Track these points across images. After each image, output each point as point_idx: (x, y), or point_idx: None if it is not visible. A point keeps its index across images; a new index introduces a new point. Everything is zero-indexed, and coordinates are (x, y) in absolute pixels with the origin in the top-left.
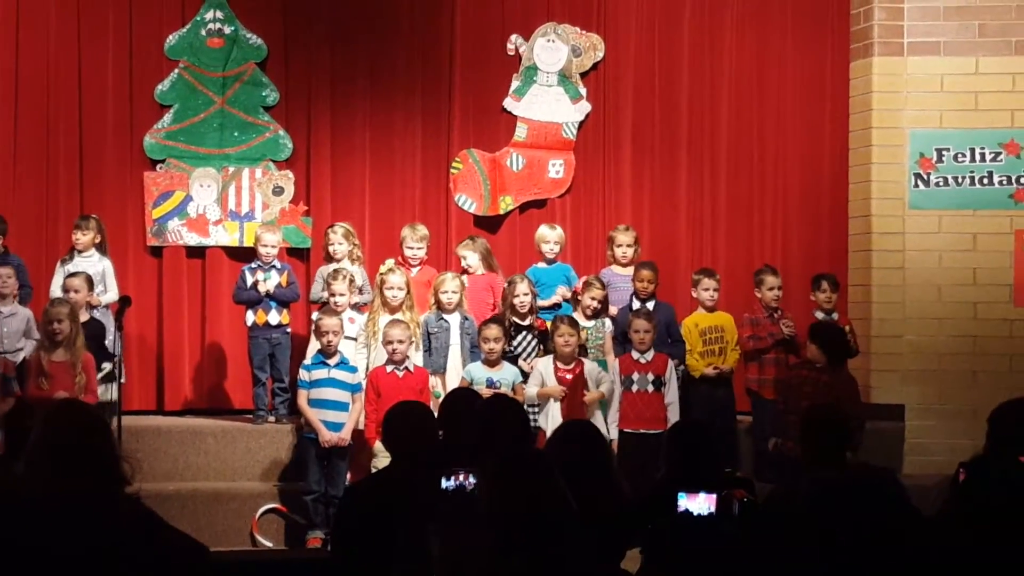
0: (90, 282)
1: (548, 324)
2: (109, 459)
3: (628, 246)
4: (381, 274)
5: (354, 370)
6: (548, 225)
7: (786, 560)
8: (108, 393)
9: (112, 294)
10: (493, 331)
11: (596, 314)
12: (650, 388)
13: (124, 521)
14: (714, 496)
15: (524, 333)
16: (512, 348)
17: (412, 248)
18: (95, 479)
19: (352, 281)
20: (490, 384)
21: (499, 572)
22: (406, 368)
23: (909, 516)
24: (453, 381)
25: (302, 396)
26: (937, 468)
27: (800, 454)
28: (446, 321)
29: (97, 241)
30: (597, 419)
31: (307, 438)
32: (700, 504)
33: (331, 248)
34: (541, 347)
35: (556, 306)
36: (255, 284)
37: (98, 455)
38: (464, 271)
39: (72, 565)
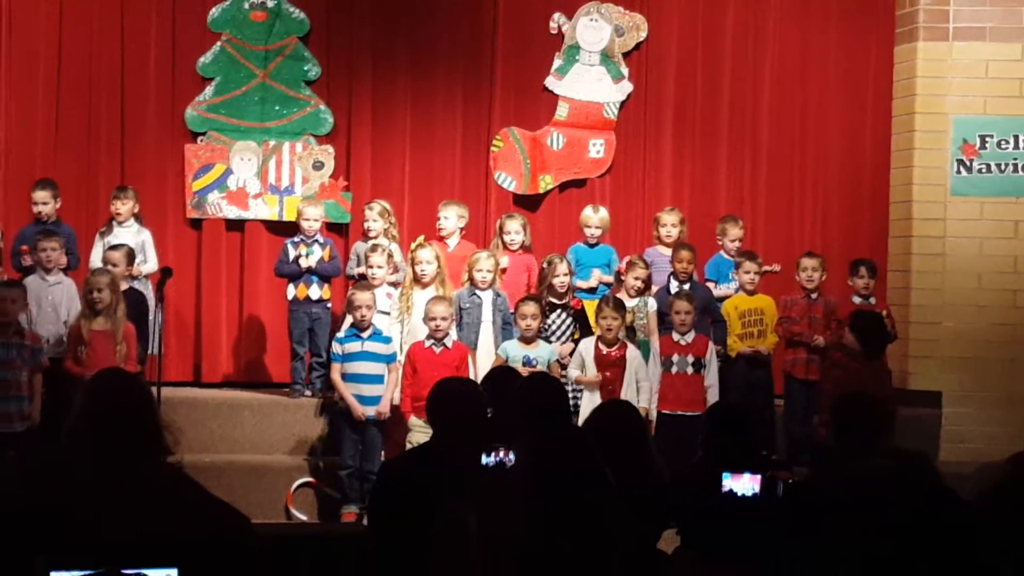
0: (131, 256)
1: (583, 304)
2: (151, 429)
3: (673, 226)
4: (412, 250)
5: (388, 340)
6: (592, 207)
7: (827, 543)
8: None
9: (152, 264)
10: (530, 308)
11: (640, 293)
12: (690, 370)
13: (167, 490)
14: (759, 477)
15: (559, 312)
16: (546, 327)
17: (439, 220)
18: (138, 448)
19: (391, 256)
20: (526, 362)
21: (537, 550)
22: (444, 344)
23: (947, 499)
24: (483, 357)
25: (335, 370)
26: (973, 456)
27: (833, 438)
28: (479, 297)
29: (136, 211)
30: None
31: (341, 412)
32: (744, 484)
33: (366, 225)
34: (576, 326)
35: (592, 289)
36: (297, 258)
37: (140, 424)
38: (506, 246)
39: (118, 532)
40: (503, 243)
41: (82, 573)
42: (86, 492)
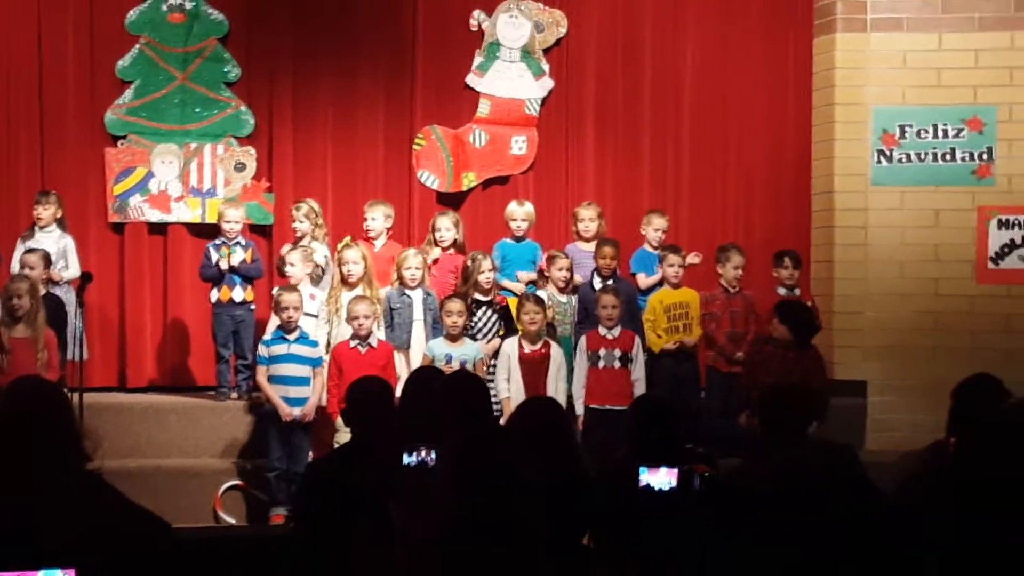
0: (47, 259)
1: (508, 300)
2: (69, 436)
3: (591, 220)
4: (339, 250)
5: (314, 344)
6: (517, 201)
7: (748, 536)
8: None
9: (74, 270)
10: (456, 305)
11: (567, 284)
12: (617, 364)
13: (85, 498)
14: (676, 471)
15: (484, 309)
16: (472, 324)
17: (366, 220)
18: (54, 455)
19: (308, 256)
20: (448, 361)
21: (462, 548)
22: (369, 344)
23: (869, 493)
24: (416, 357)
25: (261, 372)
26: (899, 444)
27: (761, 430)
28: (408, 297)
29: (58, 216)
30: (560, 395)
31: (268, 414)
32: (661, 479)
33: (293, 225)
34: (502, 324)
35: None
36: (219, 261)
37: (57, 432)
38: (437, 243)
39: (34, 541)
40: (435, 240)
41: None
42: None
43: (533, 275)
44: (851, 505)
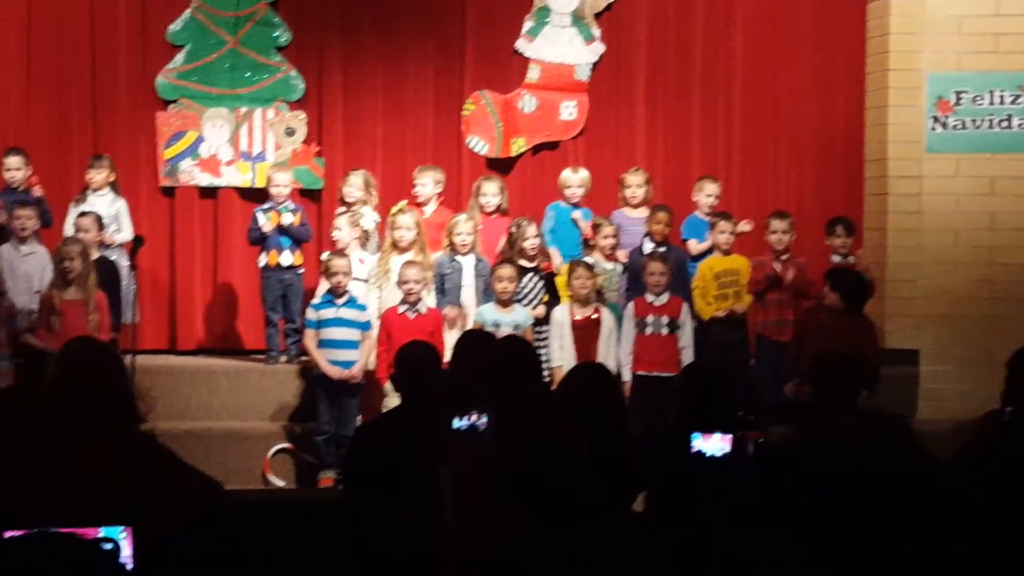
0: (100, 222)
1: (554, 267)
2: (123, 397)
3: (638, 187)
4: (392, 215)
5: (363, 308)
6: (572, 168)
7: (797, 504)
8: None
9: (127, 233)
10: (507, 271)
11: (612, 254)
12: (664, 331)
13: (139, 458)
14: (729, 437)
15: (530, 275)
16: (518, 291)
17: (415, 186)
18: (110, 416)
19: (355, 221)
20: (498, 327)
21: (508, 512)
22: (418, 310)
23: (922, 461)
24: (467, 322)
25: (309, 336)
26: (950, 414)
27: (812, 398)
28: (459, 263)
29: (111, 180)
30: (610, 360)
31: (317, 378)
32: (714, 445)
33: (345, 190)
34: (546, 290)
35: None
36: (266, 223)
37: (111, 393)
38: (482, 207)
39: (89, 501)
40: (479, 205)
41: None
42: (54, 458)
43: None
44: (903, 474)
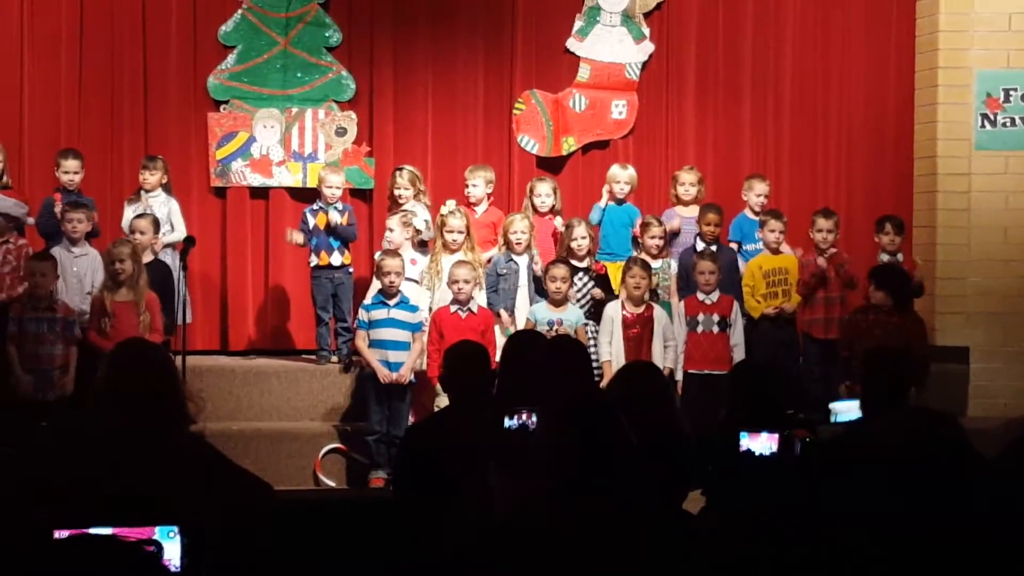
0: (156, 224)
1: (607, 268)
2: (174, 398)
3: (692, 185)
4: (442, 215)
5: (415, 309)
6: (620, 165)
7: (848, 502)
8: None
9: (179, 233)
10: (560, 271)
11: (660, 252)
12: (715, 329)
13: (189, 459)
14: (776, 436)
15: (580, 275)
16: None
17: (468, 187)
18: (160, 417)
19: (407, 221)
20: (551, 326)
21: (559, 512)
22: (469, 309)
23: (971, 459)
24: (521, 322)
25: (360, 337)
26: (1002, 411)
27: (862, 394)
28: (515, 263)
29: (164, 181)
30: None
31: (368, 378)
32: (762, 444)
33: (396, 192)
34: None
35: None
36: (316, 227)
37: (163, 394)
38: (536, 208)
39: (139, 502)
40: (533, 206)
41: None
42: (105, 459)
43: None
44: (953, 471)
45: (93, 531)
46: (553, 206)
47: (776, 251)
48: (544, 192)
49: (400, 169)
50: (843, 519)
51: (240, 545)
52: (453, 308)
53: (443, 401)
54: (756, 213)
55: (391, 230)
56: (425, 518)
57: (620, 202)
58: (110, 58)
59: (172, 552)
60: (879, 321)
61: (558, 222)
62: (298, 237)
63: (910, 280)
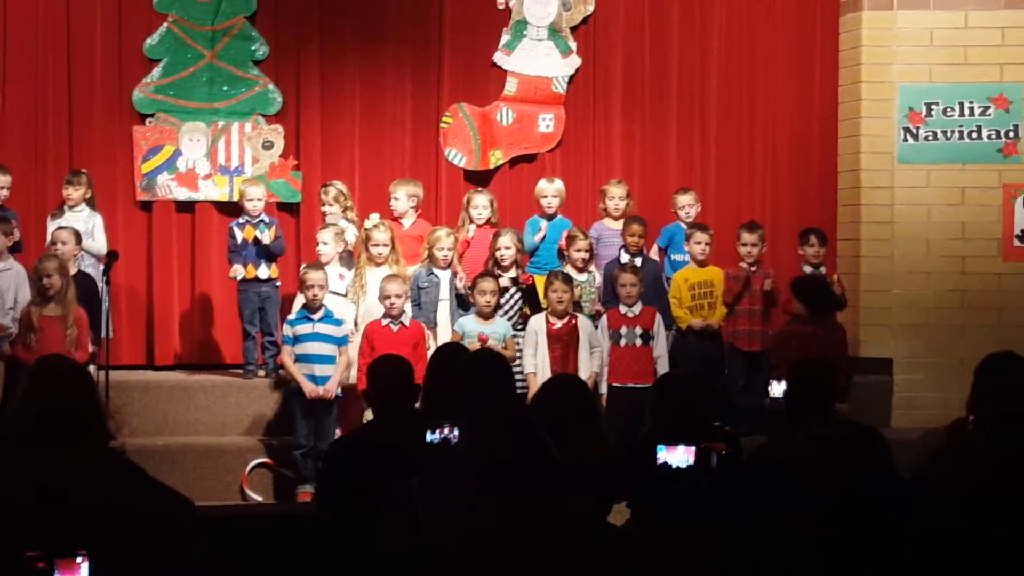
0: (78, 236)
1: (534, 279)
2: (93, 414)
3: (620, 199)
4: (366, 229)
5: (339, 323)
6: (547, 179)
7: (767, 515)
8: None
9: (100, 246)
10: (489, 284)
11: (585, 265)
12: (638, 342)
13: (107, 476)
14: (693, 449)
15: (508, 286)
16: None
17: (392, 200)
18: (78, 434)
19: (340, 235)
20: (477, 338)
21: (481, 525)
22: (401, 322)
23: (891, 478)
24: (443, 336)
25: (286, 352)
26: (925, 422)
27: (786, 407)
28: (436, 276)
29: (88, 196)
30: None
31: (294, 392)
32: (679, 457)
33: (323, 209)
34: (524, 301)
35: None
36: (244, 241)
37: (80, 410)
38: (472, 220)
39: (55, 519)
40: (470, 217)
41: None
42: (21, 474)
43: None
44: (870, 486)
45: None
46: (489, 218)
47: (703, 264)
48: (481, 204)
49: (327, 185)
50: (765, 530)
51: (159, 561)
52: (384, 321)
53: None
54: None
55: (325, 243)
56: (349, 532)
57: (550, 216)
58: (34, 72)
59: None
60: (800, 332)
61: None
62: (235, 272)
63: (828, 289)
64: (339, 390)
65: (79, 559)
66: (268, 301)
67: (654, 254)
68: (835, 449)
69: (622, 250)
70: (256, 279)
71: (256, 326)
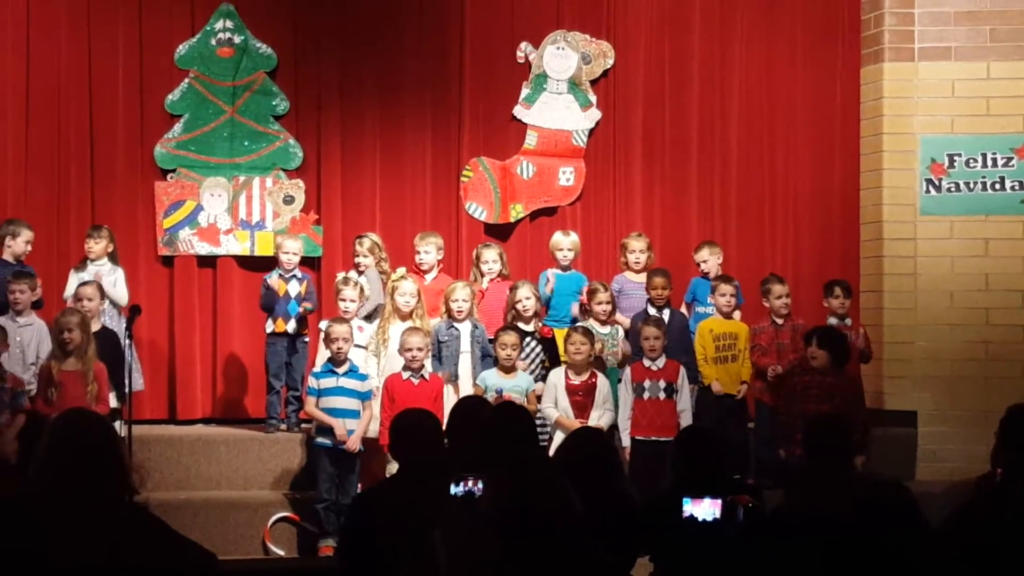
0: (102, 291)
1: (554, 332)
2: (117, 468)
3: (641, 252)
4: (393, 281)
5: (364, 378)
6: (562, 232)
7: (791, 568)
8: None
9: (121, 298)
10: (511, 338)
11: (608, 318)
12: (662, 395)
13: (131, 530)
14: (719, 502)
15: (527, 339)
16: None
17: (419, 253)
18: (102, 488)
19: (362, 290)
20: (500, 393)
21: None
22: (422, 376)
23: (920, 531)
24: (464, 389)
25: (310, 403)
26: (949, 474)
27: (806, 462)
28: (456, 329)
29: (110, 250)
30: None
31: (318, 446)
32: (705, 510)
33: (356, 260)
34: (545, 354)
35: (573, 319)
36: (278, 293)
37: (105, 464)
38: (483, 274)
39: (77, 574)
40: (480, 273)
41: None
42: (46, 531)
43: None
44: (898, 540)
45: None
46: (500, 271)
47: (728, 316)
48: (491, 259)
49: (361, 237)
50: None
51: None
52: (405, 375)
53: (394, 468)
54: (705, 276)
55: (352, 300)
56: None
57: (565, 269)
58: (56, 127)
59: None
60: (813, 382)
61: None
62: (309, 306)
63: (846, 340)
64: (361, 444)
65: None
66: (295, 356)
67: (683, 308)
68: (861, 501)
69: (648, 303)
70: (285, 333)
71: (281, 380)
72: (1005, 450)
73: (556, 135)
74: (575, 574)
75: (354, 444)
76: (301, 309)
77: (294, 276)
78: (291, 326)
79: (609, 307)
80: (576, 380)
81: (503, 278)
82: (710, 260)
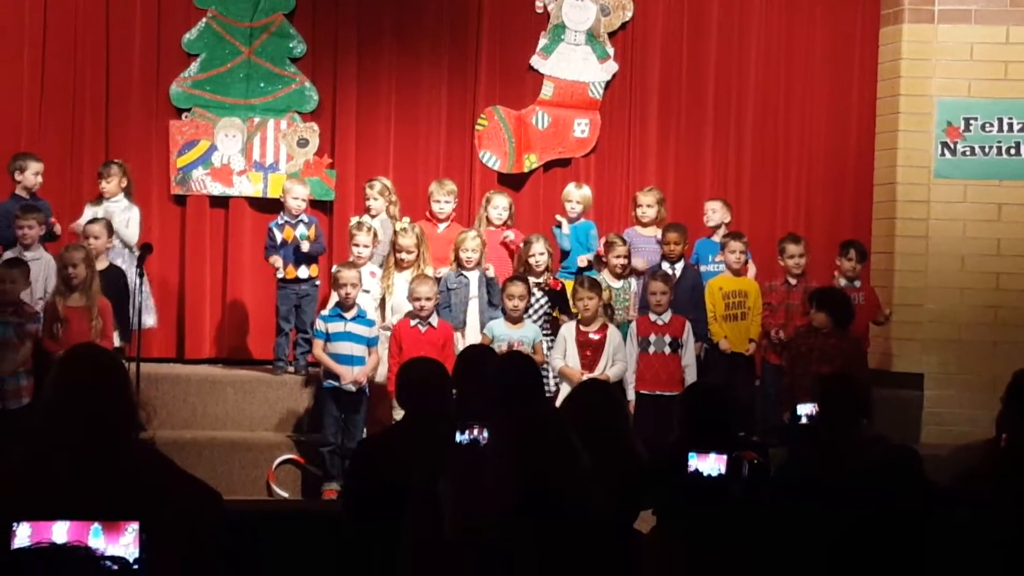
0: (110, 229)
1: (563, 284)
2: (124, 404)
3: (649, 206)
4: (394, 231)
5: (371, 323)
6: (575, 184)
7: (796, 526)
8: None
9: (132, 236)
10: (518, 288)
11: (623, 271)
12: (667, 350)
13: (137, 466)
14: (724, 457)
15: (534, 291)
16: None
17: (439, 203)
18: (107, 423)
19: (375, 235)
20: (508, 344)
21: (510, 527)
22: (429, 323)
23: (926, 493)
24: (471, 337)
25: (318, 345)
26: (955, 438)
27: (818, 421)
28: (465, 277)
29: (124, 185)
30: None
31: (325, 389)
32: (710, 465)
33: (367, 203)
34: (552, 306)
35: (582, 269)
36: (283, 241)
37: (110, 400)
38: (490, 220)
39: (84, 509)
40: (487, 217)
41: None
42: (53, 467)
43: (591, 256)
44: (903, 502)
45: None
46: (506, 221)
47: (738, 273)
48: (502, 205)
49: (372, 180)
50: (800, 543)
51: (188, 553)
52: (413, 322)
53: (400, 414)
54: (719, 234)
55: (365, 246)
56: (375, 531)
57: (572, 220)
58: (72, 65)
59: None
60: (817, 344)
61: (509, 235)
62: (276, 262)
63: (850, 301)
64: (367, 387)
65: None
66: (306, 299)
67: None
68: (870, 462)
69: (662, 259)
70: (296, 279)
71: (291, 323)
72: (1011, 415)
73: (572, 86)
74: (579, 526)
75: (361, 377)
76: (304, 245)
77: (301, 220)
78: (302, 271)
79: (625, 260)
80: (588, 332)
81: (507, 227)
82: (719, 212)
